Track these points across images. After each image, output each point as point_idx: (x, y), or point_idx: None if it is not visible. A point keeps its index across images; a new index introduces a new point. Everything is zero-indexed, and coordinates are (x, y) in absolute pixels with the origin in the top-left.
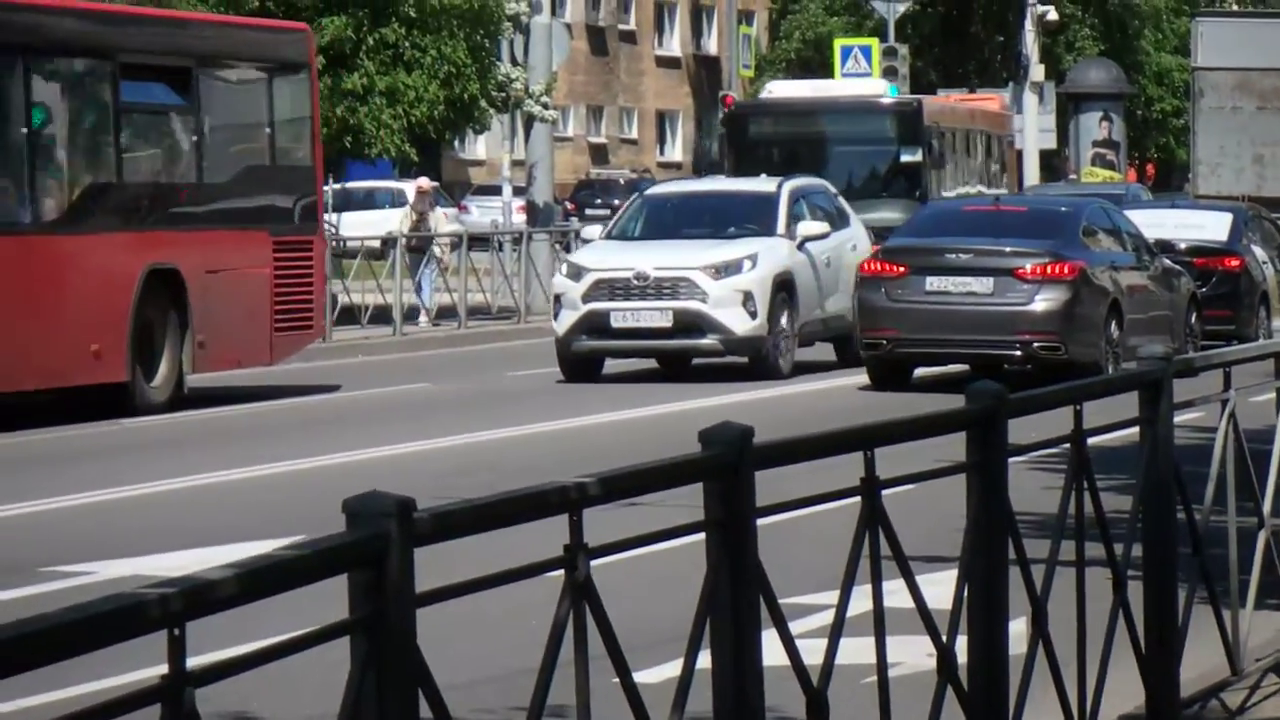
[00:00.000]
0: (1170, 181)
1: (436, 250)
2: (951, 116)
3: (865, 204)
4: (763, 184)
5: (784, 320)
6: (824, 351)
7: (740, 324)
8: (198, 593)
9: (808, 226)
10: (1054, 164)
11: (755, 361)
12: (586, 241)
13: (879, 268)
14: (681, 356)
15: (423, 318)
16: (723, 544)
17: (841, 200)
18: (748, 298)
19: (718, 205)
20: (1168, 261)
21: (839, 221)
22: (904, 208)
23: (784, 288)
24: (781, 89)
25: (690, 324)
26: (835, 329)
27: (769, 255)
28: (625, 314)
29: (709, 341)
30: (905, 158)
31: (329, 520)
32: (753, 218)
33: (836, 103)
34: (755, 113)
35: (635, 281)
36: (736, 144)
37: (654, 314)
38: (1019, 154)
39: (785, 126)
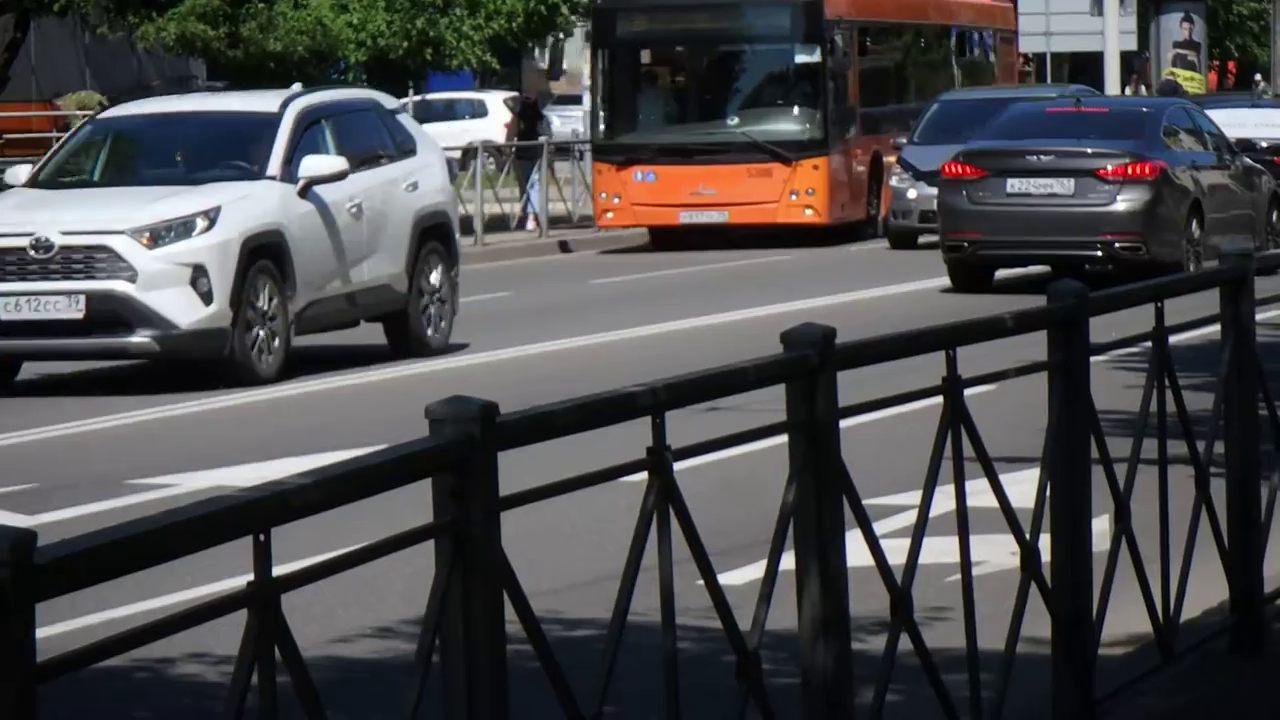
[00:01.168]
0: (1250, 82)
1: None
2: (878, 5)
3: (756, 114)
4: (264, 102)
5: (265, 301)
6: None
7: (186, 312)
8: (283, 498)
9: (314, 163)
10: (1134, 66)
11: (219, 363)
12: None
13: (960, 170)
14: (104, 358)
15: (530, 224)
16: (806, 446)
17: (408, 120)
18: (198, 273)
19: (199, 134)
20: (1248, 160)
21: (392, 151)
22: (801, 120)
23: (268, 253)
24: None
25: (110, 315)
26: (376, 305)
27: (242, 207)
28: (17, 301)
29: (139, 340)
30: (800, 58)
31: (412, 430)
32: (243, 152)
33: None
34: (625, 9)
35: (34, 253)
36: (604, 48)
37: (60, 301)
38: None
39: (661, 25)
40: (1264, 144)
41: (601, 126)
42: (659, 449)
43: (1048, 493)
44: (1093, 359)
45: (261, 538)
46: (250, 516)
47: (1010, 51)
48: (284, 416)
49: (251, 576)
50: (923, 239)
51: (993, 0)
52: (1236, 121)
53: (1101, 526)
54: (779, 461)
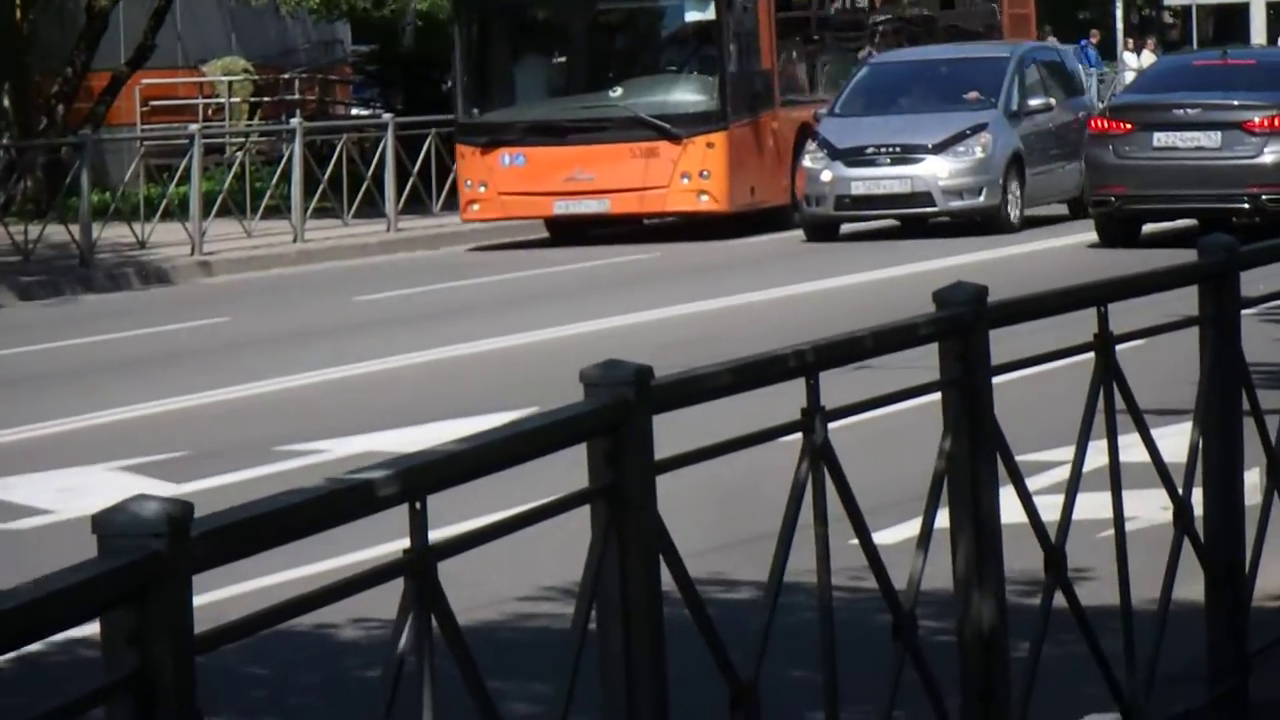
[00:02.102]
0: None
1: None
2: None
3: (642, 85)
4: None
5: None
6: None
7: None
8: (439, 464)
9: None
10: None
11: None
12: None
13: (1106, 125)
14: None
15: None
16: (960, 403)
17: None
18: None
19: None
20: None
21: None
22: (694, 89)
23: None
24: None
25: None
26: None
27: None
28: None
29: None
30: (691, 15)
31: (559, 393)
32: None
33: None
34: None
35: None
36: (468, 11)
37: None
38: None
39: None
40: None
41: (464, 102)
42: (813, 410)
43: (1200, 447)
44: (1243, 312)
45: (418, 505)
46: (407, 484)
47: (1025, 1)
48: (434, 380)
49: (408, 543)
50: (846, 228)
51: None
52: None
53: (1253, 480)
54: (932, 418)
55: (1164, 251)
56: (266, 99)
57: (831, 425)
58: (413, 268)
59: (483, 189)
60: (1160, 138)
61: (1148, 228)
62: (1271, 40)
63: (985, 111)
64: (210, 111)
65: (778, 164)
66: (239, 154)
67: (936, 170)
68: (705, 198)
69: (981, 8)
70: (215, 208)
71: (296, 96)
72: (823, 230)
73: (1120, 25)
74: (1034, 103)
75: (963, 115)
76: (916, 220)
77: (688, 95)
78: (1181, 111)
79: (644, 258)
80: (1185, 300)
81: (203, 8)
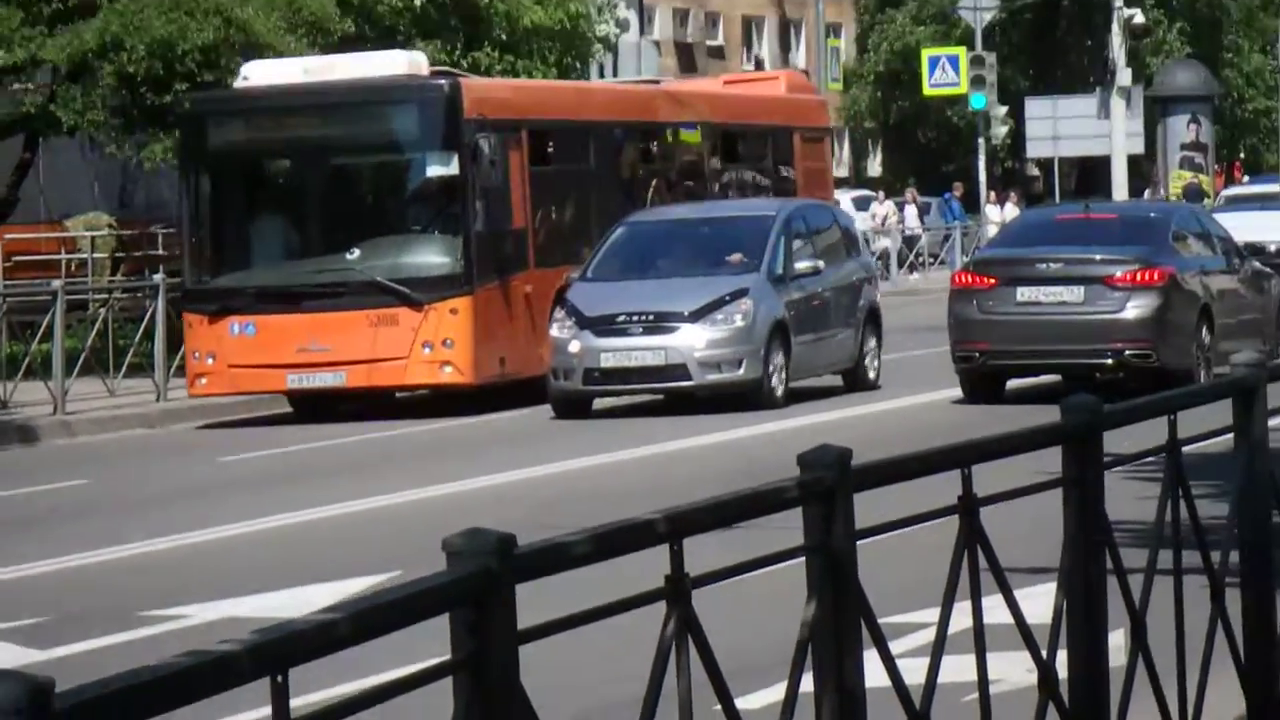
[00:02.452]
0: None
1: None
2: (551, 99)
3: (381, 246)
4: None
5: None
6: None
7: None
8: (301, 638)
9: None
10: (1142, 169)
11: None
12: None
13: (970, 280)
14: None
15: None
16: (823, 568)
17: None
18: None
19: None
20: (1258, 264)
21: None
22: (436, 250)
23: None
24: (260, 72)
25: None
26: None
27: None
28: None
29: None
30: (433, 171)
31: (418, 555)
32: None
33: (326, 92)
34: (218, 112)
35: None
36: (194, 163)
37: None
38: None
39: (261, 132)
40: (1273, 247)
41: (191, 265)
42: (677, 577)
43: (1064, 608)
44: (1108, 471)
45: (279, 679)
46: (268, 656)
47: (820, 154)
48: (301, 542)
49: (269, 715)
50: (599, 404)
51: (789, 93)
52: (1245, 225)
53: (1118, 641)
54: (799, 579)
55: (1028, 407)
56: (130, 254)
57: (697, 590)
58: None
59: (210, 361)
60: (1023, 292)
61: (1012, 383)
62: (1133, 194)
63: (747, 276)
64: (73, 267)
65: (531, 332)
66: (102, 310)
67: (692, 340)
68: (449, 369)
69: (769, 160)
70: (78, 366)
71: (160, 252)
72: (572, 407)
73: (984, 178)
74: (802, 266)
75: (723, 280)
76: (682, 395)
77: (430, 257)
78: (1044, 266)
79: (374, 437)
80: (1052, 456)
81: (65, 162)
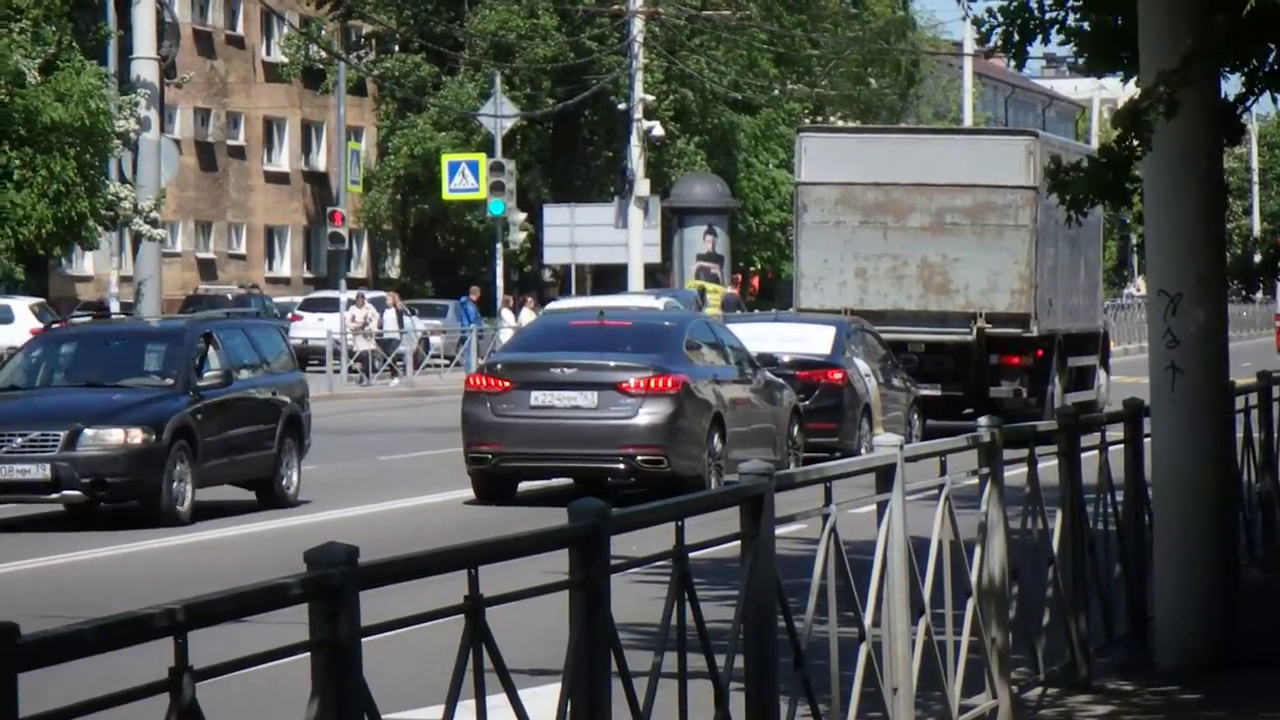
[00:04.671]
0: (774, 294)
1: None
2: None
3: None
4: None
5: None
6: None
7: None
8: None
9: None
10: (659, 278)
11: None
12: None
13: (484, 382)
14: None
15: None
16: (327, 664)
17: None
18: None
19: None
20: (770, 374)
21: None
22: None
23: None
24: None
25: None
26: None
27: None
28: None
29: None
30: None
31: None
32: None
33: None
34: None
35: None
36: None
37: None
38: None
39: None
40: (786, 358)
41: None
42: (180, 669)
43: (569, 708)
44: (617, 573)
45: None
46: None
47: None
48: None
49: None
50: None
51: None
52: (760, 335)
53: None
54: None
55: (540, 510)
56: None
57: (203, 683)
58: None
59: None
60: (537, 396)
61: (524, 486)
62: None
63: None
64: None
65: None
66: None
67: None
68: None
69: None
70: None
71: None
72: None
73: (501, 282)
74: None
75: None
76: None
77: None
78: (559, 371)
79: None
80: (563, 558)
81: None
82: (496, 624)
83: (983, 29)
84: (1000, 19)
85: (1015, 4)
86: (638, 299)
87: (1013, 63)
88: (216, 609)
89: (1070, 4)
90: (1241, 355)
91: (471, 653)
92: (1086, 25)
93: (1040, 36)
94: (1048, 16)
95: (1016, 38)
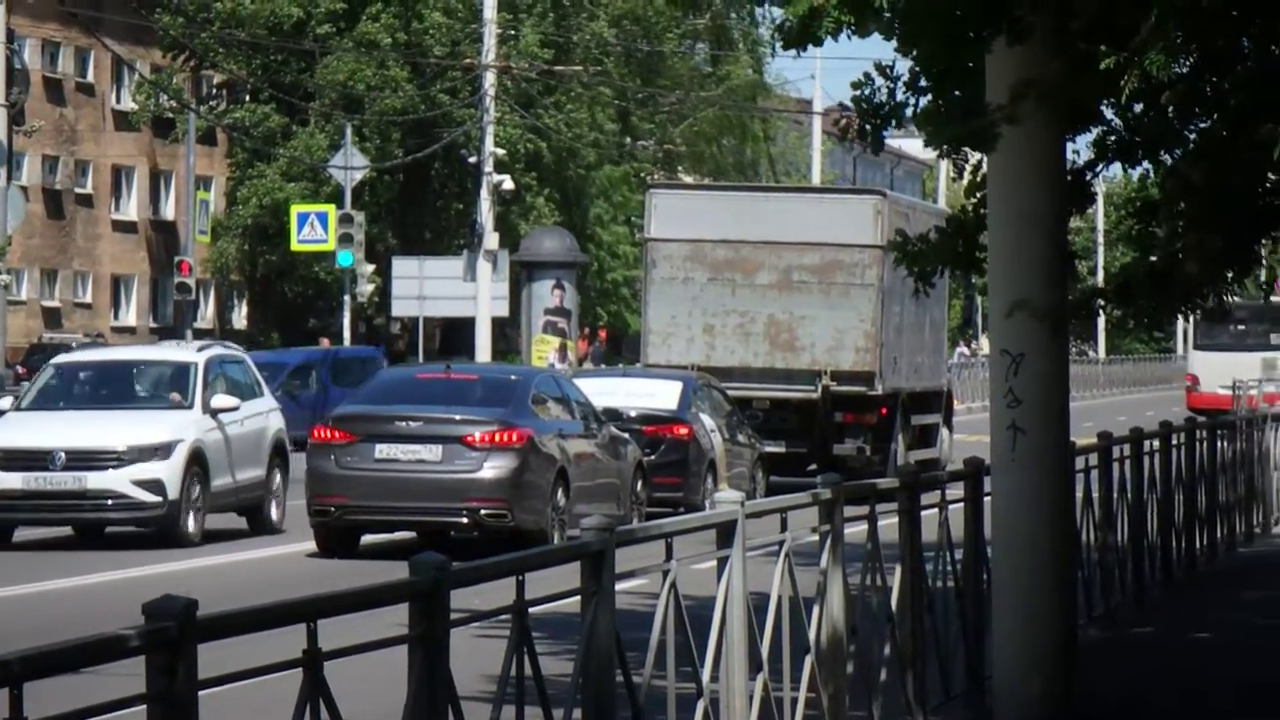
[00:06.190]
0: (622, 349)
1: None
2: None
3: None
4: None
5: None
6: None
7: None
8: None
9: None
10: (507, 333)
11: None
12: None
13: (329, 435)
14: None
15: None
16: (164, 717)
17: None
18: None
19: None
20: (615, 429)
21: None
22: None
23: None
24: None
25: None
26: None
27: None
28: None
29: None
30: None
31: None
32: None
33: None
34: None
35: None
36: None
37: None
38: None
39: None
40: (632, 413)
41: None
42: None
43: None
44: (459, 627)
45: None
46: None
47: None
48: None
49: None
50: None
51: None
52: (607, 390)
53: None
54: None
55: (384, 563)
56: None
57: None
58: None
59: None
60: (382, 449)
61: (368, 539)
62: (496, 356)
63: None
64: None
65: None
66: None
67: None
68: None
69: None
70: None
71: None
72: None
73: (348, 334)
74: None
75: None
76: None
77: None
78: (404, 424)
79: None
80: (404, 612)
81: None
82: (336, 677)
83: (838, 124)
84: (853, 111)
85: (867, 94)
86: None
87: (868, 149)
88: (53, 660)
89: (920, 85)
90: (1144, 405)
91: (309, 707)
92: (937, 104)
93: (895, 122)
94: (898, 99)
95: (870, 126)
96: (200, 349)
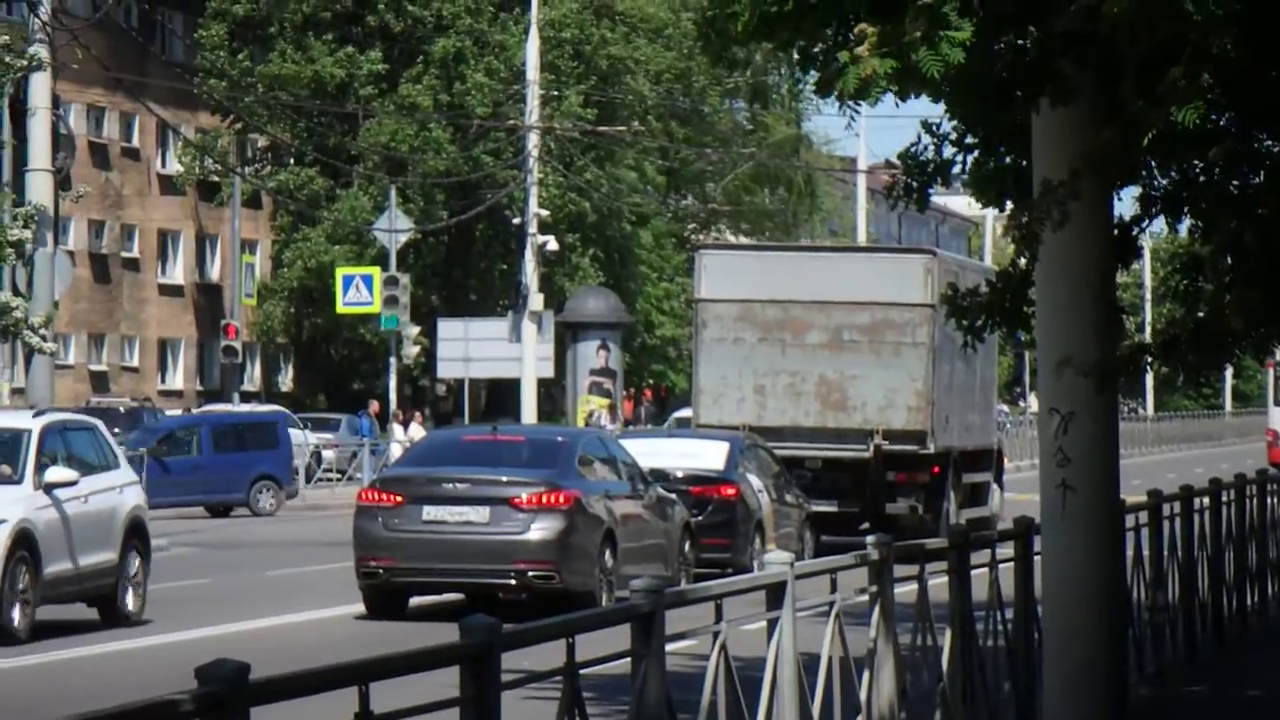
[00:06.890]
0: (668, 408)
1: None
2: None
3: None
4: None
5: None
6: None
7: None
8: None
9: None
10: (552, 393)
11: None
12: None
13: (376, 497)
14: None
15: None
16: None
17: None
18: None
19: None
20: (661, 490)
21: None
22: None
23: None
24: None
25: None
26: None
27: None
28: None
29: None
30: None
31: None
32: None
33: None
34: None
35: None
36: None
37: None
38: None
39: None
40: (679, 474)
41: None
42: None
43: None
44: (509, 690)
45: None
46: None
47: None
48: None
49: None
50: None
51: None
52: (653, 451)
53: None
54: None
55: (431, 625)
56: None
57: None
58: None
59: None
60: (429, 511)
61: (416, 601)
62: (542, 417)
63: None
64: None
65: None
66: None
67: None
68: None
69: None
70: None
71: None
72: None
73: (394, 397)
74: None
75: None
76: None
77: None
78: (451, 486)
79: None
80: (454, 674)
81: None
82: None
83: (887, 185)
84: (900, 171)
85: (912, 151)
86: None
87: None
88: None
89: (967, 142)
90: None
91: None
92: (986, 164)
93: (941, 180)
94: (945, 157)
95: (915, 184)
96: (36, 414)
